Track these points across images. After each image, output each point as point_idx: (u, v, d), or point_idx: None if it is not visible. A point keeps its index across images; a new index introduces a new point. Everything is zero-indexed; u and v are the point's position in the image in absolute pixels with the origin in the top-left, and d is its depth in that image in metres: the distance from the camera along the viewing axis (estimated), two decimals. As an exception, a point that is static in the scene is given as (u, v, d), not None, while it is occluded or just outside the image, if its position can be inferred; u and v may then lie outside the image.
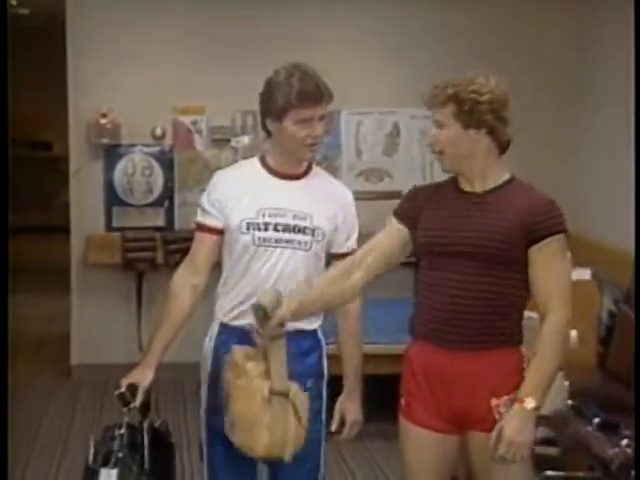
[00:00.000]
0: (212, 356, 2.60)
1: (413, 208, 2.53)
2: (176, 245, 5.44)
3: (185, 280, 2.58)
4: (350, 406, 2.64)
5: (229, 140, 5.54)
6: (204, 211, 2.59)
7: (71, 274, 5.69)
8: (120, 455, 2.46)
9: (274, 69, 2.55)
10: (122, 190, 5.56)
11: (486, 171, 2.45)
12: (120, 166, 5.54)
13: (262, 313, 2.26)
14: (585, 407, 3.43)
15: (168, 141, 5.55)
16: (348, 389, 2.66)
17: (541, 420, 3.22)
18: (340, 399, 2.65)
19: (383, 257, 2.48)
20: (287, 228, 2.52)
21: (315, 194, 2.57)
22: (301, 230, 2.53)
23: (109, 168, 5.54)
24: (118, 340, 5.57)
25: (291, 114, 2.46)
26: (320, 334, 2.63)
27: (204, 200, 2.60)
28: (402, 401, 2.52)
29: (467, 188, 2.49)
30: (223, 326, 2.59)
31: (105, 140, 5.48)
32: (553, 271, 2.36)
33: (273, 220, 2.51)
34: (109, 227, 5.56)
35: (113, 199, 5.55)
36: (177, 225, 5.58)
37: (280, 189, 2.56)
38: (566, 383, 3.38)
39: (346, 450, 4.24)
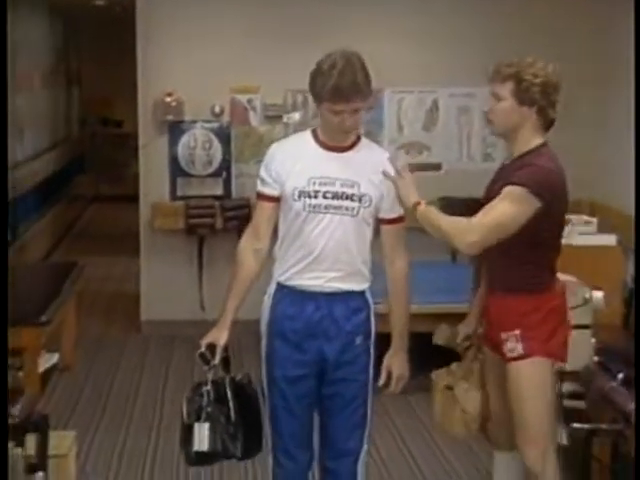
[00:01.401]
0: (269, 312, 2.58)
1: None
2: (233, 212, 5.47)
3: (249, 246, 2.58)
4: (396, 362, 2.60)
5: (281, 116, 5.51)
6: (263, 181, 2.57)
7: (140, 238, 5.72)
8: (209, 410, 2.48)
9: (326, 53, 2.48)
10: (185, 162, 5.57)
11: (528, 144, 2.57)
12: (183, 140, 5.55)
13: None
14: (610, 363, 3.34)
15: (226, 117, 5.55)
16: (395, 346, 2.61)
17: (569, 375, 3.16)
18: (387, 355, 2.61)
19: None
20: (335, 195, 2.49)
21: (362, 164, 2.53)
22: (348, 197, 2.50)
23: (173, 142, 5.55)
24: (181, 298, 5.60)
25: (325, 104, 2.44)
26: (368, 295, 2.59)
27: (262, 171, 2.58)
28: None
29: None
30: (279, 285, 2.57)
31: (170, 117, 5.49)
32: (492, 205, 2.50)
33: (322, 188, 2.49)
34: (173, 196, 5.58)
35: (177, 170, 5.57)
36: (234, 194, 5.57)
37: (329, 160, 2.52)
38: (593, 341, 3.30)
39: (389, 403, 4.21)
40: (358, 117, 2.46)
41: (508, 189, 2.46)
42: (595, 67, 5.47)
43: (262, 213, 2.57)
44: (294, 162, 2.52)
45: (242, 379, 2.58)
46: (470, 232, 2.44)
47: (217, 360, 2.50)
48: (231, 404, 2.49)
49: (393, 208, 2.56)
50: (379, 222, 2.57)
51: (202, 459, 2.52)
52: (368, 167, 2.53)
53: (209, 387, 2.49)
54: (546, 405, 2.59)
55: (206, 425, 2.46)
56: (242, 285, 2.56)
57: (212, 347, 2.51)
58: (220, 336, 2.53)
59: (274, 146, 2.61)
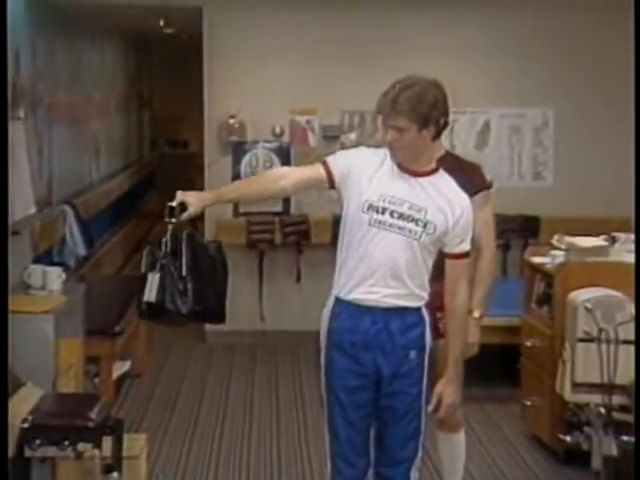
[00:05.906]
0: (328, 324, 2.58)
1: None
2: (291, 227, 5.56)
3: (279, 175, 2.59)
4: (448, 390, 2.57)
5: (338, 137, 5.57)
6: (335, 158, 2.58)
7: (205, 253, 5.79)
8: (163, 262, 2.43)
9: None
10: (247, 181, 5.66)
11: None
12: (246, 160, 5.64)
13: None
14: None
15: (286, 138, 5.63)
16: (448, 374, 2.58)
17: (618, 389, 3.09)
18: (440, 382, 2.58)
19: None
20: (401, 216, 2.48)
21: (434, 193, 2.51)
22: (414, 220, 2.48)
23: (237, 161, 5.64)
24: (243, 309, 5.64)
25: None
26: (424, 311, 2.56)
27: (341, 153, 2.61)
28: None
29: None
30: (337, 299, 2.57)
31: (233, 138, 5.59)
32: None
33: (391, 207, 2.48)
34: (236, 213, 5.66)
35: (240, 189, 5.66)
36: (292, 210, 5.64)
37: (403, 181, 2.51)
38: (641, 355, 3.22)
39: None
40: (403, 138, 2.44)
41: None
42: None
43: (311, 171, 2.56)
44: (373, 173, 2.51)
45: (210, 242, 2.57)
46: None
47: (180, 219, 2.43)
48: (184, 259, 2.43)
49: (459, 244, 2.53)
50: (444, 256, 2.55)
51: (151, 312, 2.44)
52: (440, 198, 2.51)
53: (167, 238, 2.43)
54: None
55: (157, 276, 2.39)
56: (250, 189, 2.59)
57: (183, 206, 2.46)
58: (196, 202, 2.48)
59: (364, 148, 2.64)
